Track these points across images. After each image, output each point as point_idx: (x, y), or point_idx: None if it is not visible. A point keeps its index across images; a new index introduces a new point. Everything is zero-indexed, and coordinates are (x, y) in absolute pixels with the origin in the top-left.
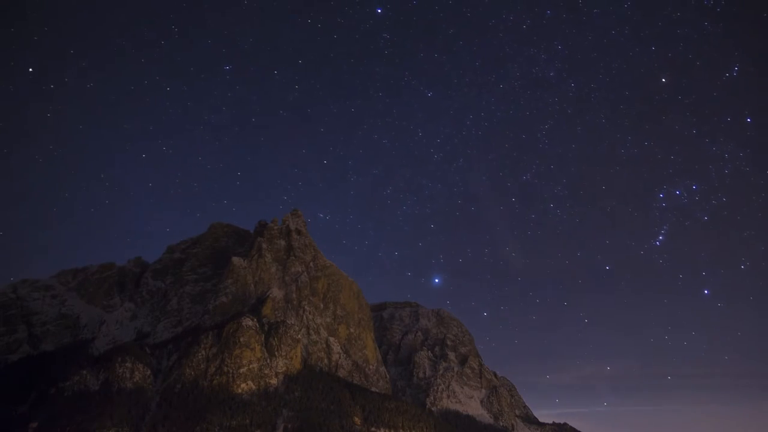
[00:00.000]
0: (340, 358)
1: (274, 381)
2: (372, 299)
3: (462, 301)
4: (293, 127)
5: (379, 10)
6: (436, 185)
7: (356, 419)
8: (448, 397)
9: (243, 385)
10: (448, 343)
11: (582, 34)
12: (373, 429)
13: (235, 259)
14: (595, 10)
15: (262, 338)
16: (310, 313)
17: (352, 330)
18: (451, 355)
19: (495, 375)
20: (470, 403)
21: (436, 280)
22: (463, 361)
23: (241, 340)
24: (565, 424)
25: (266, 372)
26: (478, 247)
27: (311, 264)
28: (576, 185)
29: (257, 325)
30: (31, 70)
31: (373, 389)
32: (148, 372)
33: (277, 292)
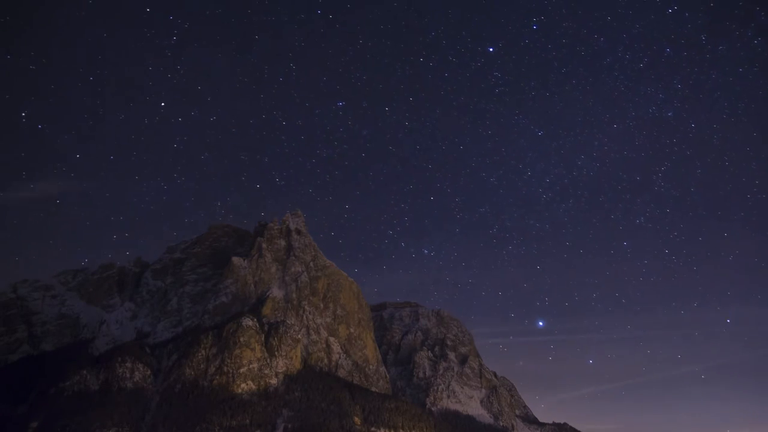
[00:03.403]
0: (340, 358)
1: (274, 381)
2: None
3: (567, 347)
4: (402, 163)
5: (491, 49)
6: (544, 226)
7: (356, 419)
8: (448, 397)
9: (243, 385)
10: (448, 343)
11: (705, 72)
12: (373, 429)
13: (235, 259)
14: (720, 47)
15: (262, 338)
16: (310, 313)
17: (352, 330)
18: (451, 355)
19: (495, 375)
20: (470, 403)
21: (540, 323)
22: (463, 361)
23: (241, 340)
24: (564, 424)
25: (266, 372)
26: (586, 291)
27: (311, 264)
28: (694, 231)
29: (257, 325)
30: (163, 104)
31: (373, 389)
32: (148, 372)
33: (277, 292)
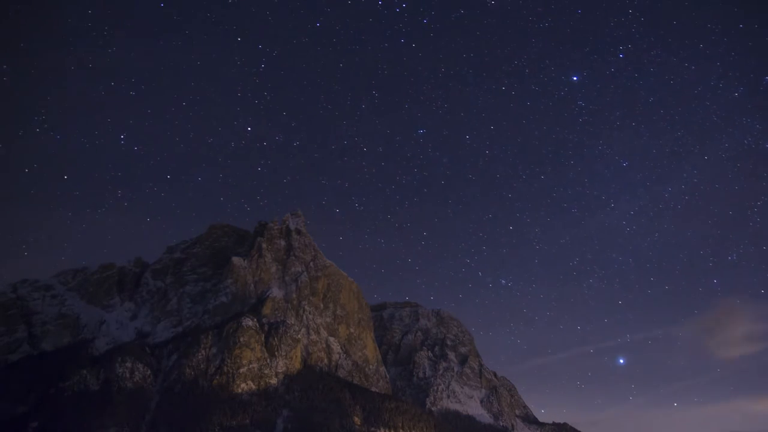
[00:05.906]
0: (340, 358)
1: (274, 381)
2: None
3: (649, 387)
4: (481, 192)
5: (575, 78)
6: (627, 259)
7: (356, 419)
8: (448, 397)
9: (243, 385)
10: (448, 343)
11: None
12: (372, 429)
13: (235, 259)
14: None
15: (262, 338)
16: (310, 313)
17: (352, 330)
18: (451, 355)
19: (495, 375)
20: (470, 403)
21: (621, 361)
22: (463, 361)
23: (241, 340)
24: (564, 424)
25: (266, 372)
26: (671, 330)
27: (311, 264)
28: None
29: (257, 325)
30: (249, 129)
31: (373, 389)
32: (148, 372)
33: (277, 292)
